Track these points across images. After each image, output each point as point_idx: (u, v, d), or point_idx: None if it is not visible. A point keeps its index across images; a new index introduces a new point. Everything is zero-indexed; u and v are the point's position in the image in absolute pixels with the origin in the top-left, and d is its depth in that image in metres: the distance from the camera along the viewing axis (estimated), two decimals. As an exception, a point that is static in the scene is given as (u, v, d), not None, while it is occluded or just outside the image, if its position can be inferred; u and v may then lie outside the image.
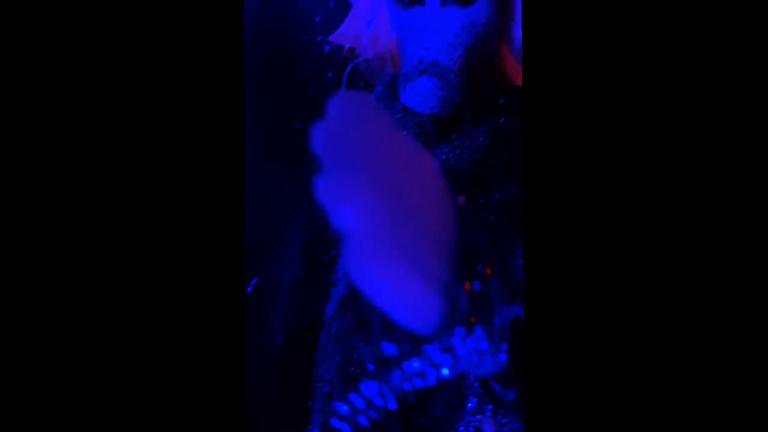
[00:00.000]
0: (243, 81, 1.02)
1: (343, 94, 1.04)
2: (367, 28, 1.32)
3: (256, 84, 1.27)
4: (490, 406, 1.17)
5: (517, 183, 1.21)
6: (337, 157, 0.89)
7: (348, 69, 1.34)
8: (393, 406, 1.02)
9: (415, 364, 0.99)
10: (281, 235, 1.33)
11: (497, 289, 0.96)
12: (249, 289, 1.27)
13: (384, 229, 0.87)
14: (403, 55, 1.29)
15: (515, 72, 1.31)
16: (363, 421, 1.02)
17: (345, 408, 1.03)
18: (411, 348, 0.98)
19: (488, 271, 0.95)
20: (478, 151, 1.26)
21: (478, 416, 1.18)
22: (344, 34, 1.36)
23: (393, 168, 0.90)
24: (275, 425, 1.30)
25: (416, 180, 0.92)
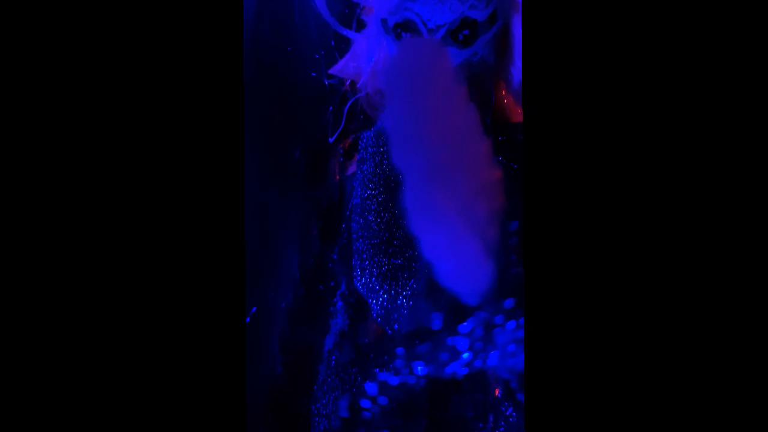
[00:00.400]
0: (244, 106, 1.03)
1: (413, 39, 1.09)
2: (367, 63, 1.34)
3: (256, 115, 1.29)
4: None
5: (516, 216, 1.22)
6: (402, 93, 0.93)
7: (349, 103, 1.36)
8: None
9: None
10: (280, 264, 1.35)
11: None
12: (248, 319, 1.28)
13: (439, 170, 0.91)
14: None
15: (513, 110, 1.33)
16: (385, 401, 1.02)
17: (374, 389, 1.03)
18: (455, 318, 0.97)
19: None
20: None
21: None
22: (345, 69, 1.38)
23: (451, 117, 0.94)
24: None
25: (473, 141, 0.95)
